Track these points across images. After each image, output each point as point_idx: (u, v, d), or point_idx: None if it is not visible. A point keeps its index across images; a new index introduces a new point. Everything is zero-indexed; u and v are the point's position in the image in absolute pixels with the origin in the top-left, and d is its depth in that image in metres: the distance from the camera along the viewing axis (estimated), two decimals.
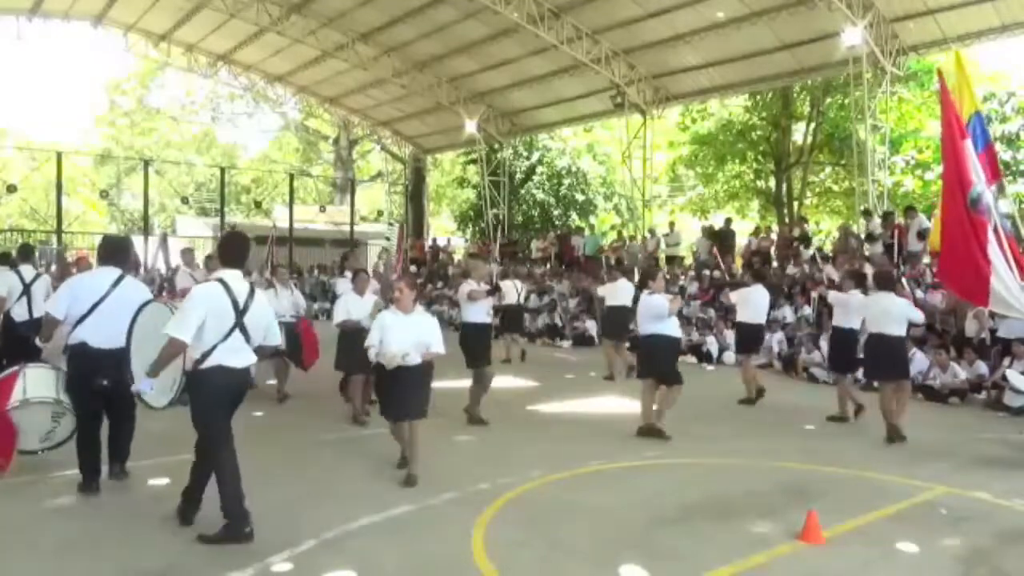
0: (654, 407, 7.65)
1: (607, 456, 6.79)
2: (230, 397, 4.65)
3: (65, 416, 5.66)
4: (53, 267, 24.09)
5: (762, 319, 9.92)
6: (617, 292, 11.34)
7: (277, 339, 5.09)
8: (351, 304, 8.04)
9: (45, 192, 34.91)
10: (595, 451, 6.95)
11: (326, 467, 6.36)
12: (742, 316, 9.82)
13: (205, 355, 4.50)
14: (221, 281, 4.61)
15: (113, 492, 5.59)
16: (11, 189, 23.83)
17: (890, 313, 7.58)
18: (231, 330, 4.54)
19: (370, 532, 4.83)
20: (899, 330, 7.57)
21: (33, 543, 4.61)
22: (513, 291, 12.68)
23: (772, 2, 16.22)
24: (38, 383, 5.66)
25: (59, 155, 25.37)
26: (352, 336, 7.52)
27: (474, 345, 7.99)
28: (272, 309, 5.11)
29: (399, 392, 5.76)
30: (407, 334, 5.71)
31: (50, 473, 6.05)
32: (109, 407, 5.49)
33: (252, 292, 4.70)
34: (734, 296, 10.17)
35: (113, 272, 5.42)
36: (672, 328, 7.64)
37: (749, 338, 9.81)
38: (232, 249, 4.88)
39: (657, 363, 7.62)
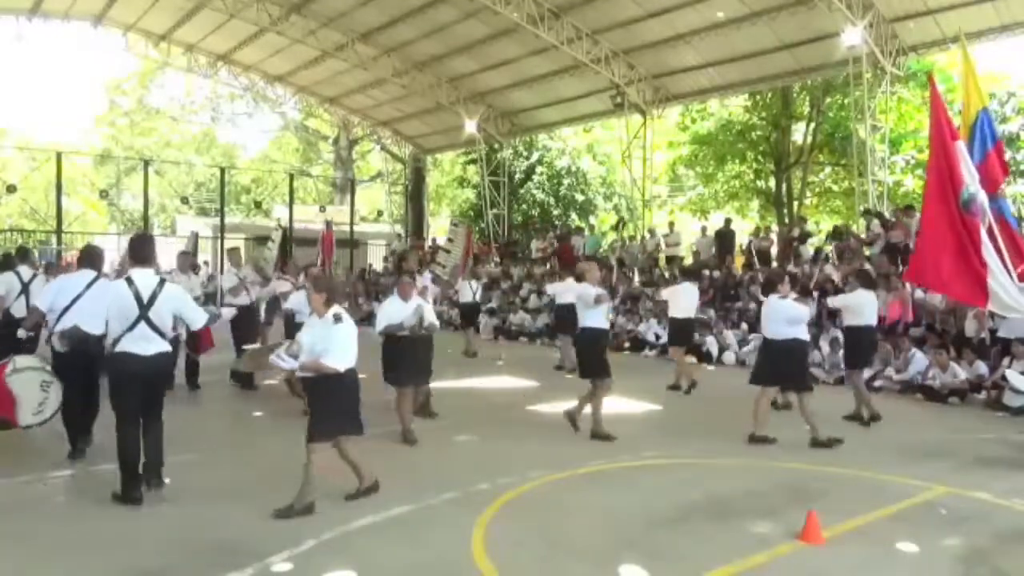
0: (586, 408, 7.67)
1: (607, 456, 6.79)
2: (137, 379, 5.26)
3: (53, 385, 6.18)
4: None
5: (691, 314, 10.73)
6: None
7: (196, 324, 5.77)
8: (393, 310, 7.18)
9: (45, 192, 34.90)
10: (595, 451, 6.95)
11: (326, 467, 6.35)
12: (673, 312, 10.60)
13: (114, 343, 5.25)
14: (128, 279, 5.28)
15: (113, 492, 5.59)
16: (11, 189, 23.82)
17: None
18: (136, 322, 5.20)
19: (370, 532, 4.83)
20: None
21: (33, 543, 4.61)
22: (468, 289, 13.76)
23: (772, 2, 16.23)
24: (26, 360, 6.33)
25: (59, 155, 25.36)
26: (396, 346, 7.08)
27: (593, 353, 7.55)
28: (186, 297, 5.67)
29: (407, 362, 6.57)
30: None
31: (50, 473, 6.06)
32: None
33: (161, 286, 5.32)
34: (665, 293, 11.15)
35: (90, 274, 6.27)
36: (599, 320, 7.64)
37: (680, 331, 10.58)
38: (140, 250, 5.53)
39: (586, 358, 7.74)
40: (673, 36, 18.47)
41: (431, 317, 7.23)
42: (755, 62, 18.47)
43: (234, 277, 9.97)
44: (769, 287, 7.90)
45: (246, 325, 9.40)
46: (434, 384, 8.51)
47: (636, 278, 17.92)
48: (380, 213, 35.92)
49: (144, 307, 5.22)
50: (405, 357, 7.10)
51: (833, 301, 9.37)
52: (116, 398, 5.35)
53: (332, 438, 5.23)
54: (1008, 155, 17.91)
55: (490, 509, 5.27)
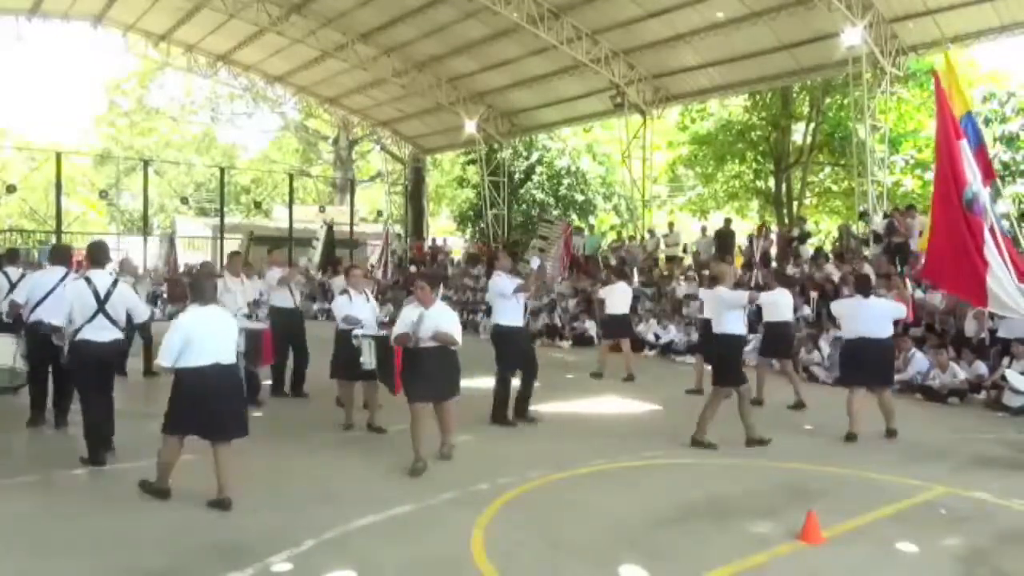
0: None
1: (607, 456, 6.80)
2: (95, 361, 6.21)
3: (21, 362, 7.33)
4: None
5: (626, 310, 12.03)
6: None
7: (141, 317, 6.89)
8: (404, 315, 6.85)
9: (45, 192, 34.92)
10: (595, 451, 6.95)
11: (326, 467, 6.36)
12: (609, 309, 11.88)
13: (76, 332, 6.17)
14: (87, 279, 6.26)
15: (113, 492, 5.59)
16: (11, 189, 23.83)
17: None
18: (95, 315, 6.17)
19: (370, 532, 4.83)
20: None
21: (33, 543, 4.62)
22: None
23: (772, 2, 16.23)
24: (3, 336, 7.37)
25: (58, 155, 25.38)
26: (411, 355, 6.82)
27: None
28: (132, 294, 6.71)
29: (424, 376, 6.28)
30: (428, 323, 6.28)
31: (50, 473, 6.06)
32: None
33: (115, 284, 6.35)
34: (602, 292, 12.38)
35: (61, 270, 7.13)
36: (738, 325, 7.33)
37: (615, 326, 11.95)
38: (97, 255, 6.61)
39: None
40: (673, 36, 18.47)
41: (448, 327, 6.35)
42: (755, 62, 18.47)
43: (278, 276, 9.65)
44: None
45: (293, 329, 9.32)
46: None
47: (636, 278, 17.93)
48: (380, 213, 35.93)
49: (101, 302, 6.20)
50: (422, 368, 6.36)
51: (758, 299, 9.65)
52: (79, 377, 6.33)
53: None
54: (1008, 155, 17.92)
55: (490, 509, 5.27)
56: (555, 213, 29.51)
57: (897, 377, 10.55)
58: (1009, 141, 17.92)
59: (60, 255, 7.57)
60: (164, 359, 5.17)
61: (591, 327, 16.10)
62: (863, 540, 4.81)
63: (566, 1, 18.28)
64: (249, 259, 10.95)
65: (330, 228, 11.77)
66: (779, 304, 9.36)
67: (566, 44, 19.09)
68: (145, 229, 26.71)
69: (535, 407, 9.14)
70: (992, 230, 7.20)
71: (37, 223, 31.46)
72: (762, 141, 26.28)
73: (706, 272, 12.69)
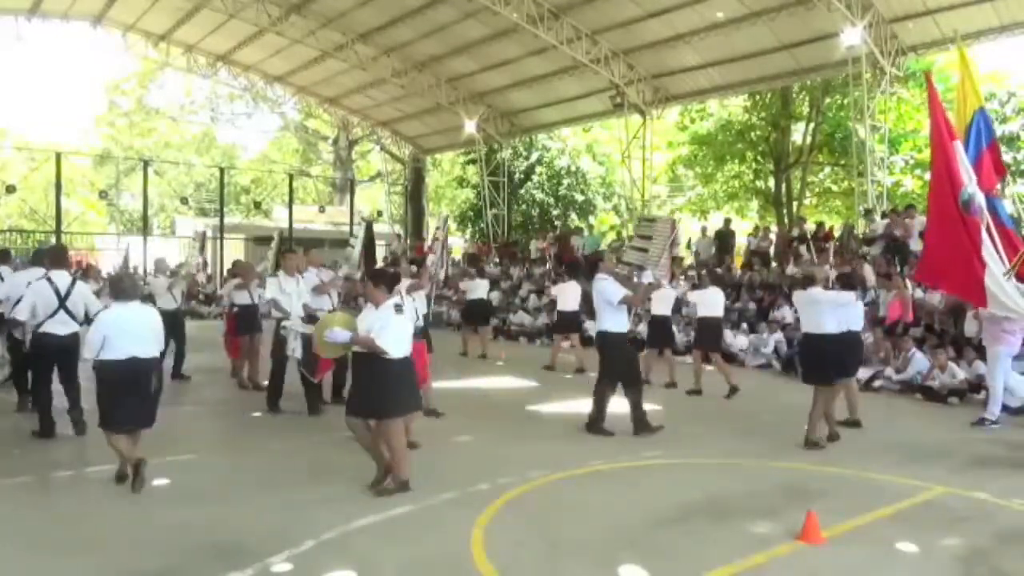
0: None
1: (607, 456, 6.79)
2: (55, 352, 6.98)
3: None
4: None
5: (576, 307, 12.69)
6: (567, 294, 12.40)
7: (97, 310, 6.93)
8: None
9: (44, 192, 34.90)
10: (595, 451, 6.95)
11: (325, 467, 6.35)
12: (561, 306, 12.75)
13: (38, 326, 6.94)
14: (48, 279, 7.00)
15: (113, 493, 5.59)
16: (10, 189, 23.83)
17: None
18: (56, 311, 6.93)
19: (370, 532, 4.83)
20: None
21: (33, 543, 4.61)
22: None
23: (771, 2, 16.23)
24: None
25: (58, 155, 25.37)
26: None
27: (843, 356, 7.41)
28: (89, 292, 7.42)
29: (355, 385, 5.69)
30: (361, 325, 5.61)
31: (50, 473, 6.06)
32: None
33: (73, 283, 7.10)
34: (554, 290, 13.23)
35: (39, 271, 7.43)
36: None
37: (565, 322, 12.86)
38: (58, 257, 7.49)
39: None
40: (673, 36, 18.48)
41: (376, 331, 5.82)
42: (754, 62, 18.48)
43: (315, 278, 9.25)
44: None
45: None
46: (435, 384, 8.52)
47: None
48: (379, 213, 35.93)
49: (62, 299, 6.95)
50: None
51: (690, 296, 11.39)
52: (39, 365, 7.21)
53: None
54: (1009, 155, 17.94)
55: (490, 509, 5.27)
56: (555, 212, 29.53)
57: (897, 377, 10.59)
58: (1009, 141, 17.94)
59: (38, 258, 8.15)
60: (86, 352, 5.65)
61: (591, 327, 16.07)
62: (863, 540, 4.81)
63: (566, 1, 18.29)
64: (249, 259, 10.99)
65: (369, 226, 11.58)
66: (712, 301, 10.44)
67: (566, 44, 19.10)
68: (145, 229, 26.71)
69: (536, 407, 9.16)
70: (989, 230, 7.22)
71: (37, 223, 31.46)
72: (762, 141, 26.28)
73: (704, 272, 12.94)
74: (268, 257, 15.26)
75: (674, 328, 12.97)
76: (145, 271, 20.18)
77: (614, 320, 7.62)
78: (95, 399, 5.66)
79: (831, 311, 7.27)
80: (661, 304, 11.12)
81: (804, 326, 7.57)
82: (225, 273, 13.78)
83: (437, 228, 12.13)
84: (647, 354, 11.17)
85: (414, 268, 12.05)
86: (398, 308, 5.47)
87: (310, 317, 7.87)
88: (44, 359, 7.11)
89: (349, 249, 13.84)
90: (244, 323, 10.41)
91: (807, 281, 7.59)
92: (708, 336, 10.50)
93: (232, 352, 10.70)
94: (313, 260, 9.58)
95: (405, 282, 7.99)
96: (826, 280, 8.67)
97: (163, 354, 5.94)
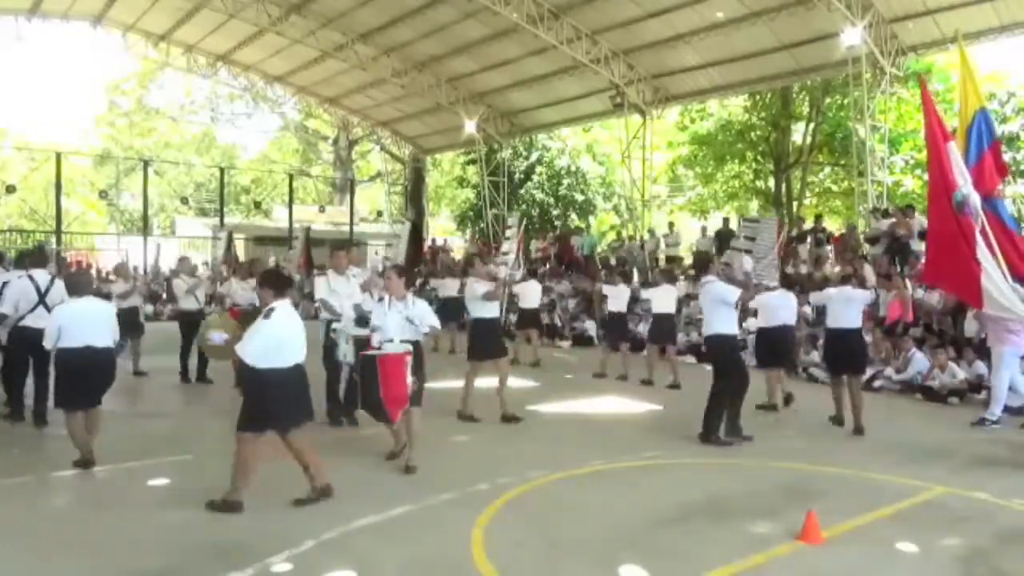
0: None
1: (607, 456, 6.79)
2: (31, 344, 7.18)
3: None
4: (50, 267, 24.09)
5: (536, 304, 13.49)
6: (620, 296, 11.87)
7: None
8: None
9: (44, 192, 34.89)
10: (595, 451, 6.95)
11: (325, 467, 6.34)
12: (523, 304, 13.17)
13: (19, 320, 7.54)
14: (30, 276, 7.68)
15: (112, 493, 5.60)
16: (10, 189, 23.84)
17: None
18: (35, 306, 7.56)
19: (370, 532, 4.83)
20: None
21: (33, 543, 4.61)
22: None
23: (771, 2, 16.24)
24: None
25: (58, 155, 25.38)
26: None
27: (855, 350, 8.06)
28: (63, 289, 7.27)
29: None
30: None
31: (50, 473, 6.06)
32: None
33: (52, 281, 7.70)
34: (516, 288, 13.39)
35: (21, 272, 7.91)
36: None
37: (529, 319, 13.26)
38: (37, 258, 8.26)
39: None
40: (672, 36, 18.48)
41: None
42: (754, 62, 18.48)
43: (362, 277, 9.23)
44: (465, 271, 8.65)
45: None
46: (435, 384, 8.52)
47: (636, 278, 17.93)
48: (380, 213, 35.92)
49: (42, 295, 7.60)
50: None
51: (644, 294, 12.08)
52: (14, 353, 7.72)
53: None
54: (1008, 155, 17.93)
55: (490, 509, 5.27)
56: (555, 212, 29.51)
57: (897, 377, 10.60)
58: (1009, 141, 17.94)
59: (21, 260, 8.55)
60: (46, 342, 6.16)
61: (591, 327, 16.10)
62: (863, 540, 4.81)
63: (566, 1, 18.29)
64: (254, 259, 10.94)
65: (415, 225, 11.50)
66: (666, 298, 10.99)
67: (566, 44, 19.10)
68: (145, 229, 26.71)
69: (536, 407, 9.16)
70: (984, 232, 7.24)
71: (37, 223, 31.45)
72: (762, 141, 26.28)
73: (657, 271, 13.11)
74: (291, 258, 15.29)
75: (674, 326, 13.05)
76: (151, 271, 20.13)
77: (726, 322, 7.38)
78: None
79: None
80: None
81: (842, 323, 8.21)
82: (224, 273, 13.71)
83: (509, 227, 12.06)
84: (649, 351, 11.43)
85: (500, 269, 11.42)
86: (268, 314, 5.12)
87: (362, 319, 7.19)
88: (21, 351, 7.62)
89: (390, 248, 13.99)
90: None
91: (847, 279, 8.72)
92: (663, 331, 10.98)
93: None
94: (355, 259, 9.09)
95: (476, 282, 8.09)
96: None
97: (184, 356, 5.99)
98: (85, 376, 6.05)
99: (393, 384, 5.91)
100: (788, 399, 9.39)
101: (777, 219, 11.33)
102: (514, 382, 11.38)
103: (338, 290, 7.66)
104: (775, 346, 9.31)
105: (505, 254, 11.67)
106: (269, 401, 5.11)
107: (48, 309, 7.33)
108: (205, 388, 10.25)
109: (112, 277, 12.29)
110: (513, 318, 13.67)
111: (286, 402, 5.18)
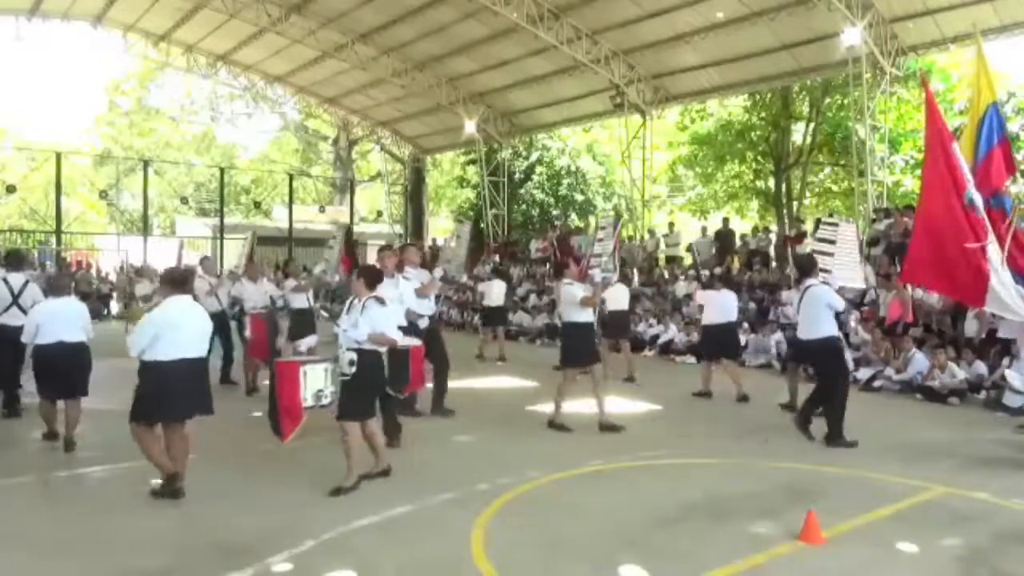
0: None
1: (606, 456, 6.79)
2: (7, 340, 7.67)
3: None
4: (49, 267, 24.12)
5: (501, 302, 14.38)
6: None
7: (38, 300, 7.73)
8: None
9: (44, 192, 34.86)
10: (594, 451, 6.94)
11: (326, 467, 6.35)
12: (487, 302, 14.23)
13: None
14: (4, 279, 7.99)
15: (112, 492, 5.59)
16: (10, 189, 23.86)
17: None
18: (8, 306, 7.91)
19: (370, 532, 4.83)
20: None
21: (33, 543, 4.61)
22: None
23: (771, 2, 16.23)
24: None
25: (58, 155, 25.39)
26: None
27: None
28: (37, 291, 8.10)
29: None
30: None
31: (50, 473, 6.06)
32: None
33: (26, 284, 8.07)
34: (481, 287, 14.60)
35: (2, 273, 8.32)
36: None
37: (495, 316, 14.22)
38: (15, 260, 8.51)
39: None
40: (673, 36, 18.48)
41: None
42: (755, 62, 18.47)
43: (417, 280, 8.84)
44: (559, 273, 8.33)
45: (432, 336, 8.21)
46: (434, 384, 8.51)
47: (636, 278, 17.94)
48: (380, 213, 35.93)
49: (15, 296, 7.94)
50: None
51: (698, 298, 11.83)
52: None
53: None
54: None
55: (490, 509, 5.27)
56: (554, 212, 29.51)
57: (897, 377, 10.59)
58: (1010, 141, 17.89)
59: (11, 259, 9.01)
60: (24, 338, 6.86)
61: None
62: (863, 540, 4.80)
63: (566, 1, 18.28)
64: (254, 259, 10.88)
65: (475, 224, 11.30)
66: (619, 296, 11.42)
67: (566, 44, 19.10)
68: (145, 229, 26.71)
69: (536, 407, 9.15)
70: (994, 229, 7.19)
71: (37, 223, 31.46)
72: (762, 141, 26.28)
73: (705, 272, 13.09)
74: (330, 258, 15.26)
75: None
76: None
77: (831, 324, 7.42)
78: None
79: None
80: (496, 294, 14.02)
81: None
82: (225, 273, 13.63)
83: (602, 228, 11.85)
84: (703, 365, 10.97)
85: (594, 272, 11.15)
86: (151, 308, 5.54)
87: (411, 325, 6.94)
88: (2, 348, 8.00)
89: (449, 249, 14.31)
90: (299, 327, 9.92)
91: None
92: (616, 327, 11.52)
93: (259, 352, 9.72)
94: (411, 258, 8.36)
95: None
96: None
97: (208, 356, 5.93)
98: (57, 367, 6.68)
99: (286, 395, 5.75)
100: (630, 378, 10.88)
101: (847, 220, 11.24)
102: (514, 382, 11.42)
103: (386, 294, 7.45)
104: (719, 340, 10.07)
105: (598, 256, 11.38)
106: (150, 393, 5.30)
107: (21, 309, 7.87)
108: (222, 389, 10.12)
109: (136, 278, 12.16)
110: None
111: (166, 395, 5.31)
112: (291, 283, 10.41)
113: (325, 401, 5.83)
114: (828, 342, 7.38)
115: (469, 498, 5.51)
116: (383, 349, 5.71)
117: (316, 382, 5.82)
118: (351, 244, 17.25)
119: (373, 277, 5.83)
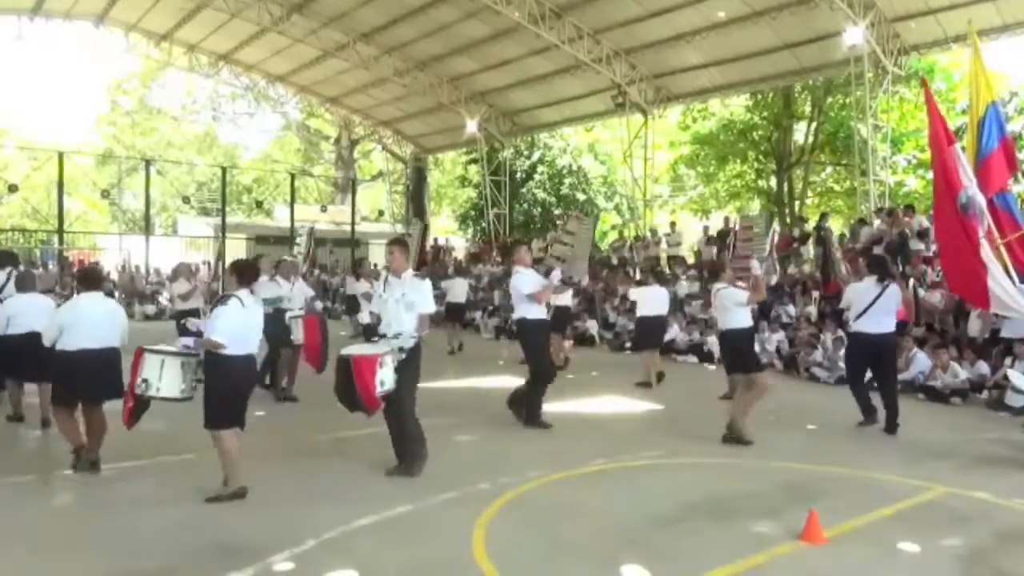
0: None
1: (607, 456, 6.79)
2: None
3: None
4: (52, 267, 24.14)
5: (463, 300, 15.12)
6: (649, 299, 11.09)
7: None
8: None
9: (47, 192, 34.93)
10: (595, 451, 6.94)
11: (326, 467, 6.36)
12: (450, 298, 14.72)
13: None
14: None
15: (112, 492, 5.60)
16: (12, 189, 23.88)
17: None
18: None
19: (370, 532, 4.82)
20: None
21: (33, 543, 4.61)
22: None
23: (773, 2, 16.23)
24: None
25: (60, 155, 25.37)
26: None
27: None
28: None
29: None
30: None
31: (50, 473, 6.07)
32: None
33: (7, 281, 8.15)
34: (444, 284, 14.89)
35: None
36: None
37: (454, 312, 14.86)
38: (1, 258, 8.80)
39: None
40: (674, 36, 18.47)
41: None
42: (756, 62, 18.47)
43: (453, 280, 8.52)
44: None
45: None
46: (435, 383, 8.51)
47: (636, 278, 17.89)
48: (381, 213, 35.95)
49: None
50: None
51: (631, 294, 11.96)
52: None
53: None
54: None
55: (490, 509, 5.26)
56: (556, 212, 29.50)
57: (899, 377, 10.55)
58: None
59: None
60: None
61: (592, 327, 16.09)
62: (864, 540, 4.80)
63: (567, 1, 18.28)
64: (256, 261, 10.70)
65: (597, 218, 11.17)
66: (563, 295, 11.23)
67: (567, 44, 19.10)
68: (147, 229, 26.74)
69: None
70: (989, 233, 7.22)
71: (39, 223, 31.50)
72: (764, 141, 26.28)
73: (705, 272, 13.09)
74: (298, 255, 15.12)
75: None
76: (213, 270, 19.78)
77: (743, 317, 7.56)
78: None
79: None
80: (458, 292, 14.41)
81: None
82: (224, 273, 13.53)
83: (744, 228, 11.44)
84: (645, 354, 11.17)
85: (753, 264, 10.57)
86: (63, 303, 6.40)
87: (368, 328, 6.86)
88: None
89: (564, 245, 14.17)
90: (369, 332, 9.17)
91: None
92: (559, 321, 11.62)
93: (314, 360, 8.71)
94: (521, 258, 7.87)
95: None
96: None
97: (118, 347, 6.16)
98: (25, 355, 7.06)
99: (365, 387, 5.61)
100: (660, 377, 10.70)
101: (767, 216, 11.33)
102: (514, 382, 11.37)
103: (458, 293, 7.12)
104: (651, 332, 10.83)
105: (746, 257, 11.06)
106: (59, 377, 6.01)
107: None
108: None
109: (171, 276, 12.05)
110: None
111: (76, 381, 5.93)
112: (363, 286, 9.87)
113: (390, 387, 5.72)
114: (887, 337, 8.00)
115: (470, 498, 5.51)
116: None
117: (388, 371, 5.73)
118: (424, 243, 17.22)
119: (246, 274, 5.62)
